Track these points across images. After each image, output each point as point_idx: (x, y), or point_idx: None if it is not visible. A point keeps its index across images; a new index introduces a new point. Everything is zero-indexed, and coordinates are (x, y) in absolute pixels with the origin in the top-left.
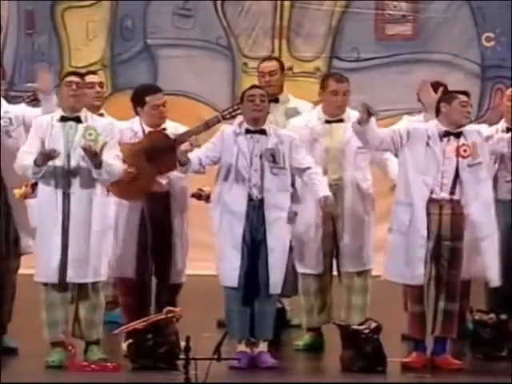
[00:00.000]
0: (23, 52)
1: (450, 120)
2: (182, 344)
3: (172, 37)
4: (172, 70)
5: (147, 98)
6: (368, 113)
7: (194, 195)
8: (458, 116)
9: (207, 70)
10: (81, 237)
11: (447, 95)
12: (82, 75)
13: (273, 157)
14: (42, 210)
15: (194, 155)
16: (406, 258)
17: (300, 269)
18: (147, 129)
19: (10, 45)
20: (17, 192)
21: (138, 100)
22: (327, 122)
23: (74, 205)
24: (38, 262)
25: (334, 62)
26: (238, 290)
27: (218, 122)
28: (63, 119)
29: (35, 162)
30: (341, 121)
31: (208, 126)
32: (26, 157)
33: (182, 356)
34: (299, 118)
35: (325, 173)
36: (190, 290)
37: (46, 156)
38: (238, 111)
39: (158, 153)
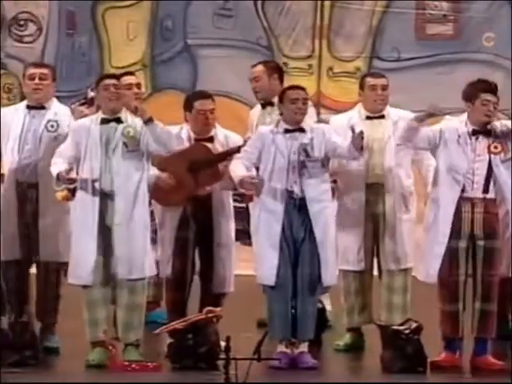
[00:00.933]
0: (64, 52)
1: (473, 119)
2: (222, 344)
3: (212, 37)
4: (212, 70)
5: (195, 103)
6: (430, 113)
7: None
8: (480, 115)
9: (247, 70)
10: (125, 235)
11: (471, 94)
12: (118, 77)
13: (305, 151)
14: (79, 210)
15: (239, 166)
16: (424, 254)
17: (341, 265)
18: (193, 136)
19: (51, 45)
20: (59, 194)
21: (187, 105)
22: (368, 118)
23: (117, 203)
24: (73, 263)
25: (375, 62)
26: (277, 289)
27: None
28: (104, 121)
29: (57, 176)
30: (382, 117)
31: None
32: (56, 161)
33: (223, 356)
34: (340, 116)
35: (366, 170)
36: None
37: (63, 180)
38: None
39: (198, 166)
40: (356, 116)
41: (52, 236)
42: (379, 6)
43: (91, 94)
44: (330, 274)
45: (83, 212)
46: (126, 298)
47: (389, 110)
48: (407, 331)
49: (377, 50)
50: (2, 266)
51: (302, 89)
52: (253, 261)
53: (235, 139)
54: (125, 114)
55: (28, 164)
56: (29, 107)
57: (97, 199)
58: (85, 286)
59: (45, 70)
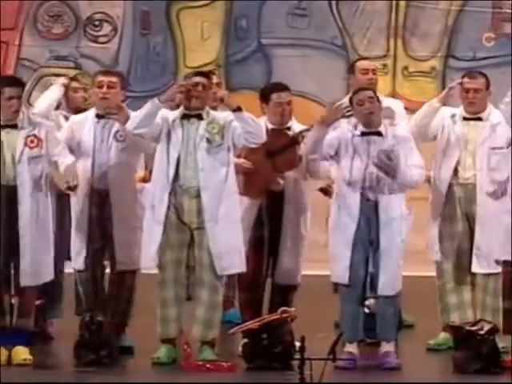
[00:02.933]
0: (138, 52)
1: None
2: (297, 344)
3: (286, 36)
4: (286, 69)
5: (272, 95)
6: None
7: (321, 190)
8: None
9: (322, 69)
10: (218, 231)
11: None
12: (208, 76)
13: (388, 158)
14: (152, 200)
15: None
16: None
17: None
18: (270, 126)
19: (126, 45)
20: (138, 175)
21: (264, 97)
22: (465, 119)
23: (204, 200)
24: (146, 256)
25: (450, 62)
26: (349, 288)
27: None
28: (185, 116)
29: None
30: (479, 119)
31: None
32: None
33: (297, 356)
34: (447, 109)
35: (457, 170)
36: (307, 290)
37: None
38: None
39: (277, 151)
40: (457, 115)
41: (125, 243)
42: (455, 5)
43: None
44: (383, 283)
45: (156, 201)
46: (206, 296)
47: (490, 112)
48: (482, 332)
49: (452, 49)
50: (75, 272)
51: (367, 89)
52: (327, 261)
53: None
54: (206, 111)
55: (101, 172)
56: (98, 116)
57: (167, 192)
58: (160, 283)
59: (113, 78)
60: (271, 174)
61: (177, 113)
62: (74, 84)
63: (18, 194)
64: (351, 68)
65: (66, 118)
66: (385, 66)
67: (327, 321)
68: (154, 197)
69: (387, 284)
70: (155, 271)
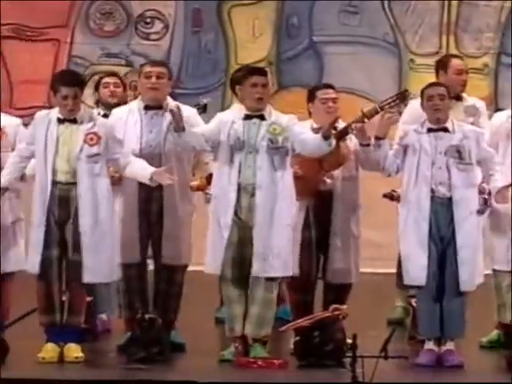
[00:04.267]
0: (190, 50)
1: None
2: (349, 342)
3: (338, 34)
4: (338, 67)
5: (317, 93)
6: None
7: (386, 196)
8: None
9: (373, 66)
10: (265, 231)
11: None
12: (266, 74)
13: (459, 153)
14: (217, 203)
15: (390, 158)
16: None
17: (493, 265)
18: (315, 127)
19: (177, 43)
20: (194, 184)
21: (310, 96)
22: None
23: (258, 199)
24: (209, 255)
25: (503, 58)
26: (426, 288)
27: (376, 113)
28: (247, 117)
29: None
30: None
31: (366, 117)
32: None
33: (349, 354)
34: (505, 113)
35: None
36: (359, 288)
37: None
38: (397, 102)
39: None
40: None
41: (174, 238)
42: (508, 2)
43: (204, 101)
44: (464, 280)
45: (223, 204)
46: (261, 294)
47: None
48: None
49: (505, 46)
50: (124, 266)
51: (440, 85)
52: (380, 259)
53: None
54: (268, 111)
55: (152, 163)
56: (146, 107)
57: (234, 192)
58: (222, 281)
59: (162, 69)
60: (318, 174)
61: (236, 113)
62: (106, 79)
63: (76, 191)
64: (441, 64)
65: (105, 116)
66: None
67: (379, 318)
68: (219, 198)
69: (468, 281)
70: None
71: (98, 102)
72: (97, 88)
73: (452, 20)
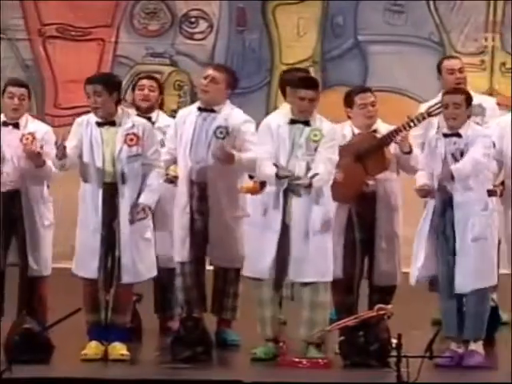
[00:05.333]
0: (234, 49)
1: None
2: (394, 341)
3: (383, 33)
4: (383, 66)
5: (356, 98)
6: None
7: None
8: None
9: (418, 66)
10: (301, 236)
11: None
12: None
13: (453, 156)
14: (262, 206)
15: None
16: None
17: None
18: (357, 131)
19: (222, 42)
20: (245, 186)
21: (348, 101)
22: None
23: (294, 203)
24: (250, 258)
25: None
26: (445, 287)
27: (424, 119)
28: (292, 122)
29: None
30: None
31: (413, 123)
32: (265, 164)
33: (394, 353)
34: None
35: None
36: (404, 287)
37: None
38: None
39: (366, 154)
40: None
41: (222, 239)
42: None
43: None
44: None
45: (269, 208)
46: (309, 297)
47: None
48: None
49: None
50: (177, 264)
51: (458, 93)
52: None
53: None
54: (313, 118)
55: (199, 165)
56: (200, 109)
57: (281, 196)
58: (256, 282)
59: (214, 72)
60: (362, 178)
61: (282, 118)
62: (143, 81)
63: (118, 191)
64: (438, 67)
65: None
66: (482, 62)
67: (424, 318)
68: (268, 203)
69: (480, 278)
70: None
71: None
72: (133, 89)
73: (498, 19)
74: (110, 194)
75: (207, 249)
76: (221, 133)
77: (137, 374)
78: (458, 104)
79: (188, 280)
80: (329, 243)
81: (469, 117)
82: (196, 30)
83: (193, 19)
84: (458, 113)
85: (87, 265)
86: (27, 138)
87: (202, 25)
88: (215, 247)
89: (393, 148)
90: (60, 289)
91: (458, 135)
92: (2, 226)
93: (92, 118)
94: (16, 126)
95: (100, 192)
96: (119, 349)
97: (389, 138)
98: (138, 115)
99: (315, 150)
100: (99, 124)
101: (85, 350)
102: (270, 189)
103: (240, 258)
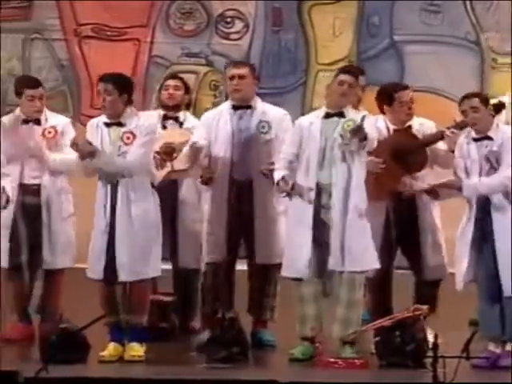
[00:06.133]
0: (270, 49)
1: None
2: (430, 342)
3: (419, 33)
4: (419, 66)
5: (396, 95)
6: None
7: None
8: None
9: (455, 66)
10: (340, 227)
11: None
12: (356, 74)
13: (490, 160)
14: (297, 203)
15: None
16: None
17: None
18: (392, 127)
19: (257, 42)
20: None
21: (386, 97)
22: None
23: (334, 197)
24: (287, 257)
25: None
26: (484, 288)
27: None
28: (327, 116)
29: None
30: None
31: (460, 127)
32: (279, 166)
33: (430, 354)
34: None
35: None
36: (440, 288)
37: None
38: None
39: (405, 152)
40: None
41: (267, 237)
42: None
43: None
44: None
45: (301, 206)
46: (345, 295)
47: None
48: None
49: None
50: (208, 265)
51: (473, 96)
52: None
53: (430, 125)
54: (347, 110)
55: (243, 165)
56: (234, 108)
57: (313, 192)
58: (296, 281)
59: (243, 70)
60: (399, 176)
61: (315, 114)
62: (168, 81)
63: (116, 189)
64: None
65: (165, 117)
66: None
67: (461, 318)
68: (299, 198)
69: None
70: None
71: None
72: (160, 90)
73: None
74: (114, 193)
75: (255, 247)
76: (263, 127)
77: (172, 374)
78: (476, 107)
79: (222, 280)
80: (366, 233)
81: (493, 116)
82: (232, 29)
83: (229, 19)
84: (477, 117)
85: (96, 266)
86: (50, 132)
87: (238, 25)
88: (261, 245)
89: None
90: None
91: (489, 138)
92: (23, 220)
93: (102, 119)
94: (37, 122)
95: (109, 193)
96: (134, 349)
97: (436, 138)
98: (165, 115)
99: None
100: (107, 124)
101: (103, 352)
102: (301, 186)
103: (281, 254)
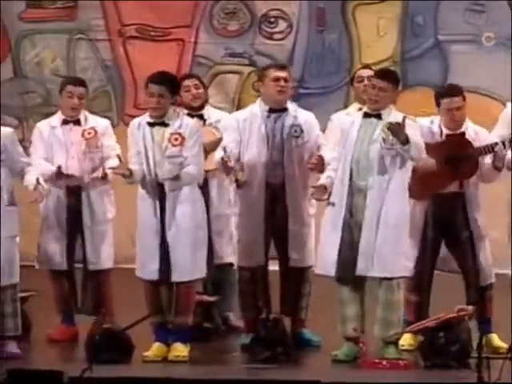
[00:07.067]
0: (313, 49)
1: None
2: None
3: (464, 32)
4: (463, 66)
5: (442, 101)
6: None
7: None
8: None
9: (499, 65)
10: (371, 231)
11: None
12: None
13: None
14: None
15: None
16: None
17: None
18: (445, 131)
19: (301, 42)
20: None
21: (436, 100)
22: None
23: (369, 199)
24: (318, 255)
25: None
26: None
27: None
28: (366, 116)
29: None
30: None
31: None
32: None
33: (475, 355)
34: None
35: None
36: None
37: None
38: None
39: (457, 158)
40: None
41: (301, 240)
42: None
43: None
44: None
45: (336, 207)
46: (382, 296)
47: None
48: None
49: None
50: (246, 268)
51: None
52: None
53: (485, 134)
54: (385, 111)
55: (276, 168)
56: (270, 110)
57: (345, 193)
58: (337, 282)
59: (288, 73)
60: (448, 180)
61: (355, 113)
62: (186, 82)
63: (164, 191)
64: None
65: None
66: None
67: (507, 319)
68: (333, 199)
69: None
70: None
71: (179, 104)
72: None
73: None
74: (161, 194)
75: (288, 250)
76: (295, 131)
77: (216, 374)
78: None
79: (261, 283)
80: (398, 239)
81: None
82: (275, 29)
83: (272, 19)
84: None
85: (147, 266)
86: (89, 133)
87: (282, 25)
88: (295, 247)
89: None
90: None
91: None
92: (66, 222)
93: (145, 119)
94: (77, 122)
95: (154, 193)
96: (178, 349)
97: (486, 150)
98: (188, 114)
99: (393, 142)
100: (150, 124)
101: (148, 352)
102: (336, 186)
103: (313, 256)
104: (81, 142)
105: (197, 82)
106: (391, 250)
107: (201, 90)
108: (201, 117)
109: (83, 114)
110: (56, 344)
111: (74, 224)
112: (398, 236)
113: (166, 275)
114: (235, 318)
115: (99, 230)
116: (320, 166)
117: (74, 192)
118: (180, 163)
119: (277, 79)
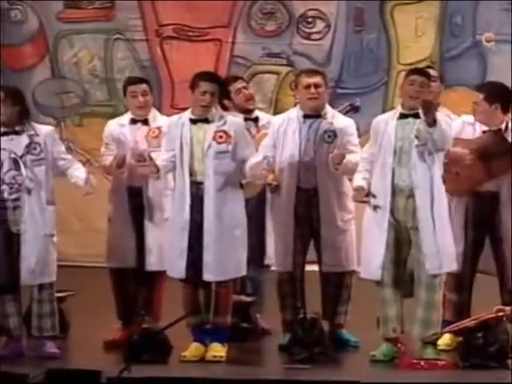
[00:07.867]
0: (351, 49)
1: None
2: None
3: (503, 32)
4: (502, 66)
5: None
6: None
7: None
8: None
9: None
10: (430, 230)
11: None
12: (427, 74)
13: None
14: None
15: None
16: None
17: None
18: (483, 127)
19: (339, 42)
20: None
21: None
22: None
23: (418, 200)
24: (362, 259)
25: None
26: None
27: None
28: (402, 116)
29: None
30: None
31: None
32: (357, 176)
33: None
34: None
35: None
36: None
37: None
38: None
39: (494, 155)
40: None
41: (334, 246)
42: None
43: (357, 103)
44: None
45: (377, 209)
46: (424, 296)
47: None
48: None
49: None
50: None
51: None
52: None
53: None
54: (421, 111)
55: (309, 173)
56: (305, 116)
57: (389, 194)
58: (377, 283)
59: (319, 79)
60: (483, 177)
61: (391, 114)
62: (236, 86)
63: (204, 188)
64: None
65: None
66: None
67: None
68: (374, 201)
69: None
70: None
71: (226, 108)
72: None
73: None
74: (198, 192)
75: (321, 255)
76: (329, 137)
77: (253, 374)
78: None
79: (298, 286)
80: (448, 233)
81: None
82: (313, 30)
83: (310, 19)
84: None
85: (176, 265)
86: (154, 132)
87: (320, 25)
88: (328, 253)
89: None
90: None
91: None
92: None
93: (187, 115)
94: (145, 122)
95: (187, 192)
96: (215, 349)
97: None
98: (245, 118)
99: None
100: (193, 121)
101: (185, 352)
102: (376, 188)
103: (353, 261)
104: (144, 141)
105: (244, 84)
106: (444, 246)
107: (250, 91)
108: (255, 120)
109: (152, 113)
110: (94, 344)
111: (137, 223)
112: (448, 232)
113: (195, 274)
114: (263, 321)
115: (158, 231)
116: (339, 158)
117: (138, 192)
118: (226, 160)
119: (308, 86)
